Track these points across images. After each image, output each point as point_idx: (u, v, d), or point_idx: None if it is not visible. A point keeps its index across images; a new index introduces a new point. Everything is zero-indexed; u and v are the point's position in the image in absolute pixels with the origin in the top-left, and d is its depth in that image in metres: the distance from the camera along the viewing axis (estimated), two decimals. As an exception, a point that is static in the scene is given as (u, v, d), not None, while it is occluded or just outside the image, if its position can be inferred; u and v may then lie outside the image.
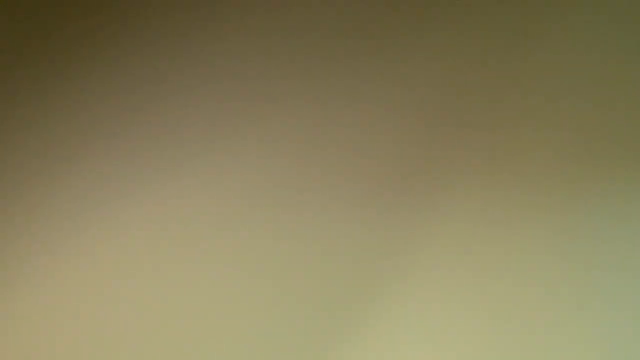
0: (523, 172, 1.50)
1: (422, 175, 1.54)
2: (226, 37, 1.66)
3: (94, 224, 1.65)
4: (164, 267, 1.61)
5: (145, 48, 1.70)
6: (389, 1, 1.61)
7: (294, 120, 1.61)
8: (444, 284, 1.50)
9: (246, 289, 1.57)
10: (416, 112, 1.56)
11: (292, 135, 1.60)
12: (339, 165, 1.57)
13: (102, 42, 1.72)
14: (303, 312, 1.54)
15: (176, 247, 1.61)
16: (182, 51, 1.68)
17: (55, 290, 1.64)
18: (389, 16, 1.60)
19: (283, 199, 1.58)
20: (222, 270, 1.58)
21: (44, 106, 1.72)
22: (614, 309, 1.43)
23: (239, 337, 1.56)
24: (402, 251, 1.52)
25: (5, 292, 1.66)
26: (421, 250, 1.52)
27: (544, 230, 1.48)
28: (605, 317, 1.43)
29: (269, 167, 1.60)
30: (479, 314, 1.48)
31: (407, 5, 1.60)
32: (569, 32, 1.53)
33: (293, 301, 1.55)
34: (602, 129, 1.49)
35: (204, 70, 1.66)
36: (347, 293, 1.53)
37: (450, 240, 1.51)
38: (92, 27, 1.73)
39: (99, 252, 1.64)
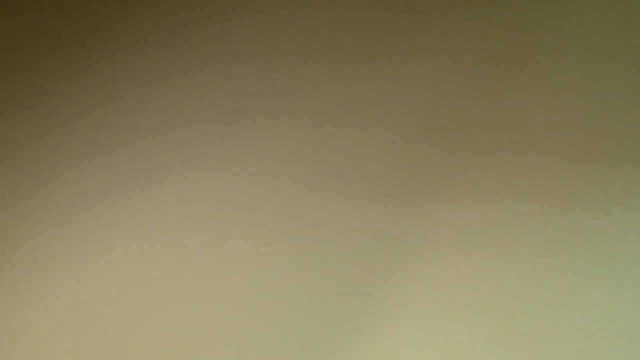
0: (526, 174, 1.50)
1: (424, 177, 1.54)
2: (227, 39, 1.66)
3: (95, 225, 1.65)
4: (165, 269, 1.61)
5: (149, 52, 1.70)
6: (390, 1, 1.61)
7: (296, 122, 1.61)
8: (446, 285, 1.50)
9: (248, 291, 1.57)
10: (418, 114, 1.56)
11: (294, 137, 1.60)
12: (341, 168, 1.57)
13: (104, 43, 1.72)
14: (305, 315, 1.54)
15: (178, 248, 1.61)
16: (186, 55, 1.68)
17: (56, 292, 1.64)
18: (389, 16, 1.60)
19: (285, 201, 1.59)
20: (223, 271, 1.58)
21: (45, 108, 1.72)
22: (617, 310, 1.43)
23: (241, 339, 1.56)
24: (404, 253, 1.52)
25: (6, 293, 1.66)
26: (423, 252, 1.52)
27: (548, 231, 1.48)
28: (608, 318, 1.43)
29: (271, 169, 1.60)
30: (482, 316, 1.48)
31: (408, 6, 1.60)
32: (569, 33, 1.53)
33: (295, 304, 1.55)
34: (604, 129, 1.49)
35: (207, 73, 1.66)
36: (349, 296, 1.53)
37: (453, 241, 1.51)
38: (93, 28, 1.73)
39: (100, 254, 1.64)
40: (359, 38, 1.61)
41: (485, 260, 1.49)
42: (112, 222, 1.65)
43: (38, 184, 1.70)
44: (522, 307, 1.47)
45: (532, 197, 1.49)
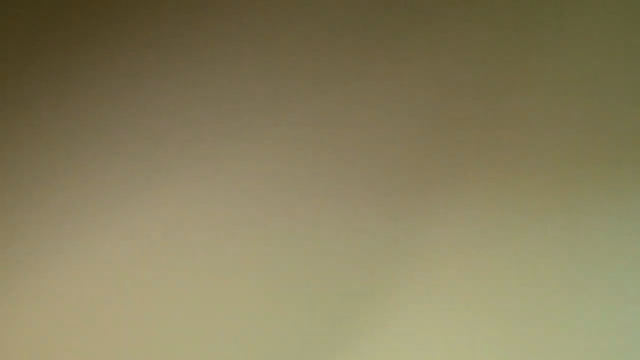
0: (526, 174, 1.50)
1: (424, 177, 1.54)
2: (227, 39, 1.66)
3: (95, 225, 1.65)
4: (166, 269, 1.61)
5: (149, 51, 1.70)
6: (390, 1, 1.61)
7: (295, 122, 1.61)
8: (447, 286, 1.50)
9: (247, 291, 1.57)
10: (418, 114, 1.56)
11: (294, 137, 1.60)
12: (341, 168, 1.57)
13: (104, 43, 1.72)
14: (304, 316, 1.54)
15: (178, 248, 1.61)
16: (186, 54, 1.68)
17: (56, 292, 1.64)
18: (390, 16, 1.60)
19: (285, 201, 1.58)
20: (222, 271, 1.58)
21: (45, 108, 1.72)
22: (618, 310, 1.43)
23: (241, 340, 1.55)
24: (404, 253, 1.52)
25: (6, 293, 1.66)
26: (423, 252, 1.51)
27: (548, 231, 1.48)
28: (609, 318, 1.43)
29: (271, 169, 1.60)
30: (483, 316, 1.48)
31: (408, 5, 1.60)
32: (570, 33, 1.53)
33: (294, 304, 1.55)
34: (605, 129, 1.48)
35: (207, 73, 1.66)
36: (349, 296, 1.53)
37: (453, 241, 1.51)
38: (92, 28, 1.73)
39: (99, 254, 1.63)
40: (358, 38, 1.61)
41: (485, 261, 1.49)
42: (112, 223, 1.64)
43: (37, 185, 1.69)
44: (522, 307, 1.47)
45: (532, 197, 1.49)
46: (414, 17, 1.59)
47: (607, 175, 1.47)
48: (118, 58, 1.71)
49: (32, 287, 1.65)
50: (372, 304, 1.52)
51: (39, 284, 1.65)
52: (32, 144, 1.71)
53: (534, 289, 1.47)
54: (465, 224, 1.51)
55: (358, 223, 1.55)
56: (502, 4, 1.55)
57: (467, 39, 1.56)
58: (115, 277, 1.62)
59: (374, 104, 1.58)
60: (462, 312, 1.48)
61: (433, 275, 1.50)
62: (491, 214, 1.50)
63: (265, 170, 1.60)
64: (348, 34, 1.61)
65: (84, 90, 1.71)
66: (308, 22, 1.63)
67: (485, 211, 1.50)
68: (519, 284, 1.47)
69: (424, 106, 1.56)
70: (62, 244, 1.66)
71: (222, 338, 1.56)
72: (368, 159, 1.56)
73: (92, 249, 1.64)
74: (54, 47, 1.74)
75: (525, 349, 1.46)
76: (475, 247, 1.50)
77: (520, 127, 1.51)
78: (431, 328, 1.49)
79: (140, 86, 1.69)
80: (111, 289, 1.62)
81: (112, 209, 1.65)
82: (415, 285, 1.51)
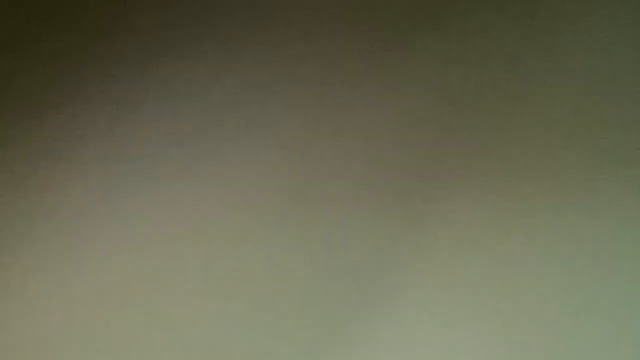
0: (527, 177, 1.50)
1: (427, 179, 1.54)
2: (227, 38, 1.67)
3: (98, 225, 1.65)
4: (168, 271, 1.61)
5: (151, 50, 1.70)
6: (394, 3, 1.61)
7: (298, 124, 1.61)
8: (448, 288, 1.50)
9: (249, 294, 1.57)
10: (420, 116, 1.56)
11: (296, 139, 1.60)
12: (342, 169, 1.57)
13: (106, 43, 1.72)
14: (305, 317, 1.54)
15: (181, 249, 1.61)
16: (189, 54, 1.68)
17: (56, 292, 1.64)
18: (392, 18, 1.61)
19: (285, 202, 1.59)
20: (224, 272, 1.59)
21: (48, 106, 1.72)
22: (620, 312, 1.44)
23: (243, 342, 1.56)
24: (404, 255, 1.52)
25: (7, 294, 1.66)
26: (425, 254, 1.52)
27: (550, 234, 1.48)
28: (608, 320, 1.44)
29: (272, 171, 1.60)
30: (484, 318, 1.48)
31: (411, 7, 1.60)
32: (574, 36, 1.53)
33: (295, 306, 1.55)
34: (607, 134, 1.49)
35: (210, 72, 1.66)
36: (350, 297, 1.53)
37: (455, 243, 1.51)
38: (95, 29, 1.73)
39: (101, 255, 1.64)
40: (360, 39, 1.61)
41: (487, 262, 1.49)
42: (116, 221, 1.65)
43: (39, 185, 1.70)
44: (525, 308, 1.47)
45: (534, 199, 1.49)
46: (417, 19, 1.60)
47: (608, 176, 1.47)
48: (120, 59, 1.71)
49: (34, 287, 1.65)
50: (373, 305, 1.52)
51: (40, 285, 1.65)
52: (34, 144, 1.71)
53: (537, 289, 1.47)
54: (467, 226, 1.51)
55: (360, 224, 1.55)
56: (508, 8, 1.56)
57: (468, 41, 1.56)
58: (116, 277, 1.62)
59: (374, 106, 1.58)
60: (464, 313, 1.48)
61: (435, 276, 1.51)
62: (493, 215, 1.50)
63: (266, 172, 1.60)
64: (351, 36, 1.62)
65: (86, 90, 1.71)
66: (309, 24, 1.64)
67: (488, 212, 1.51)
68: (521, 285, 1.47)
69: (425, 108, 1.56)
70: (65, 245, 1.66)
71: (224, 338, 1.57)
72: (369, 161, 1.57)
73: (94, 250, 1.64)
74: (54, 47, 1.74)
75: (527, 349, 1.46)
76: (477, 248, 1.50)
77: (522, 128, 1.52)
78: (433, 329, 1.49)
79: (142, 86, 1.69)
80: (112, 290, 1.62)
81: (114, 209, 1.65)
82: (416, 287, 1.51)
